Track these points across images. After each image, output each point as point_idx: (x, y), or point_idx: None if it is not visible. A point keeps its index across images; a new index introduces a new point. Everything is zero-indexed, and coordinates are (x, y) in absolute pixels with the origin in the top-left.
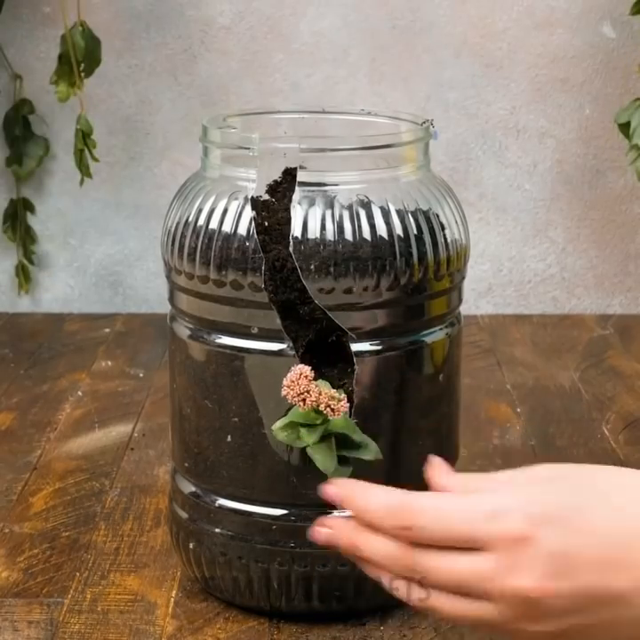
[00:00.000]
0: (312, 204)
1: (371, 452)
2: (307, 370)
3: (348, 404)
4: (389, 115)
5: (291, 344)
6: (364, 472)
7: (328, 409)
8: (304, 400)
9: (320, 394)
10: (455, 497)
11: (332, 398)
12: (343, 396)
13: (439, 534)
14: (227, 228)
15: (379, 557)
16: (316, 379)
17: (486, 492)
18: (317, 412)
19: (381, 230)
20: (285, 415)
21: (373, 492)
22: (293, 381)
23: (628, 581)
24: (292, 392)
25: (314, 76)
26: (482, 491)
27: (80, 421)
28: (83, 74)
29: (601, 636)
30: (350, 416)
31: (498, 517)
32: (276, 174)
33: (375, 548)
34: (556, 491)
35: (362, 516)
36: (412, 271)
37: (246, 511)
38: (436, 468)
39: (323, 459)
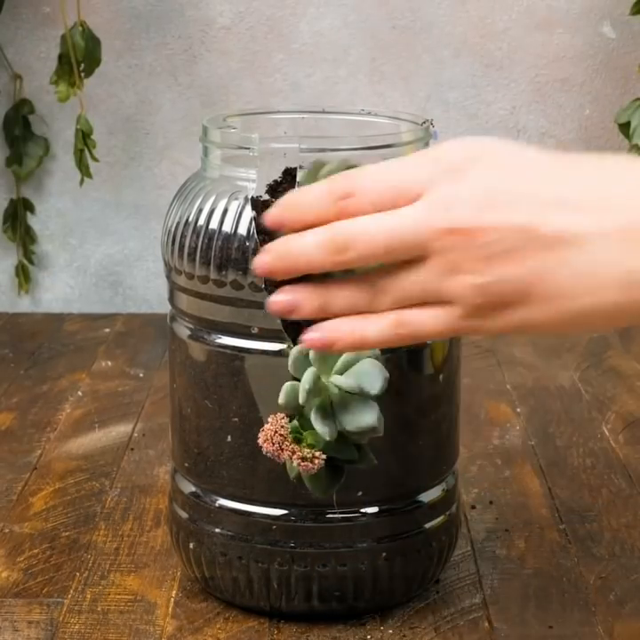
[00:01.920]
0: None
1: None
2: (281, 424)
3: (323, 461)
4: (389, 115)
5: (291, 344)
6: (364, 472)
7: (300, 467)
8: (279, 456)
9: (293, 453)
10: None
11: (304, 459)
12: (318, 452)
13: (382, 186)
14: (227, 228)
15: (310, 247)
16: (302, 426)
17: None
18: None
19: None
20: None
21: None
22: (267, 439)
23: (582, 223)
24: (268, 447)
25: (314, 76)
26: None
27: (80, 421)
28: (83, 74)
29: (543, 284)
30: None
31: (438, 157)
32: (276, 174)
33: (305, 238)
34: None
35: (301, 208)
36: None
37: (246, 511)
38: None
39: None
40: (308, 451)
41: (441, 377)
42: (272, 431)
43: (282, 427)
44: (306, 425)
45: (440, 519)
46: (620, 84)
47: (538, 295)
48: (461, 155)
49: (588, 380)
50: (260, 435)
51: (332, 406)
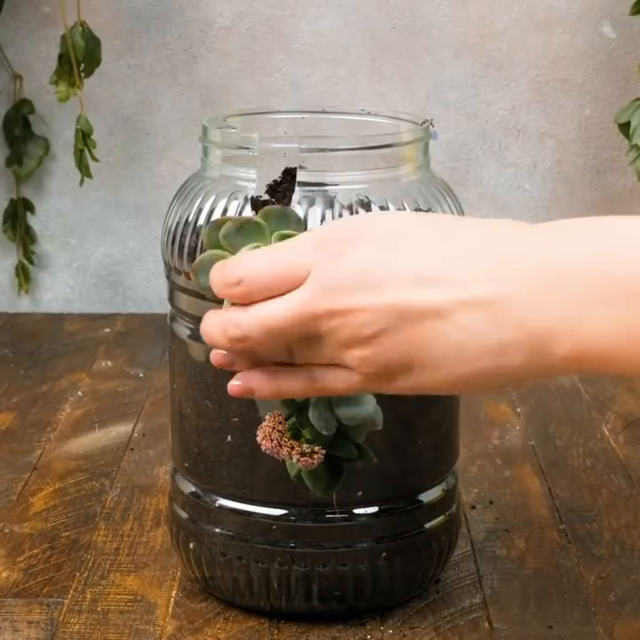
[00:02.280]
0: (312, 203)
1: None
2: (279, 420)
3: (322, 455)
4: (389, 115)
5: None
6: (364, 472)
7: (300, 462)
8: (277, 453)
9: (292, 448)
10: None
11: (303, 454)
12: (317, 447)
13: (269, 274)
14: None
15: (216, 337)
16: (301, 422)
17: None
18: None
19: None
20: None
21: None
22: (266, 435)
23: (444, 298)
24: (267, 444)
25: (314, 76)
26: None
27: (80, 421)
28: (83, 74)
29: (422, 355)
30: None
31: (321, 240)
32: (276, 174)
33: (208, 316)
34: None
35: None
36: None
37: (246, 511)
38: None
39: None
40: (307, 446)
41: None
42: (270, 428)
43: (279, 423)
44: (304, 422)
45: (440, 519)
46: (620, 84)
47: (421, 364)
48: (341, 237)
49: (588, 380)
50: (258, 432)
51: (330, 402)
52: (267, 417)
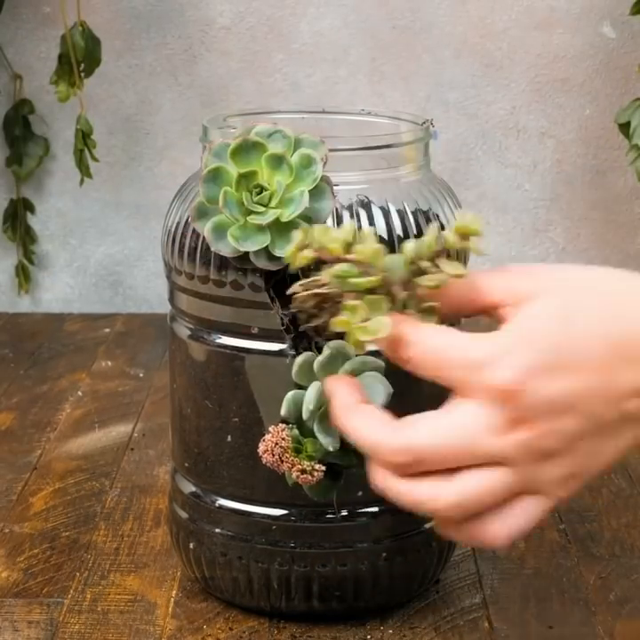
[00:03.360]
0: None
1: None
2: (282, 436)
3: (322, 473)
4: (389, 115)
5: (291, 344)
6: (364, 472)
7: (299, 479)
8: (278, 467)
9: (293, 465)
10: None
11: (303, 472)
12: (317, 465)
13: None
14: None
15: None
16: (302, 434)
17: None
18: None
19: (381, 230)
20: None
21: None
22: (268, 450)
23: (636, 377)
24: (268, 458)
25: (314, 76)
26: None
27: (80, 421)
28: (83, 74)
29: (609, 453)
30: None
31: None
32: None
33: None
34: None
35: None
36: None
37: (246, 511)
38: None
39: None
40: (308, 463)
41: None
42: (273, 443)
43: (283, 439)
44: (306, 433)
45: None
46: (620, 84)
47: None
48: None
49: None
50: (260, 444)
51: None
52: (270, 429)
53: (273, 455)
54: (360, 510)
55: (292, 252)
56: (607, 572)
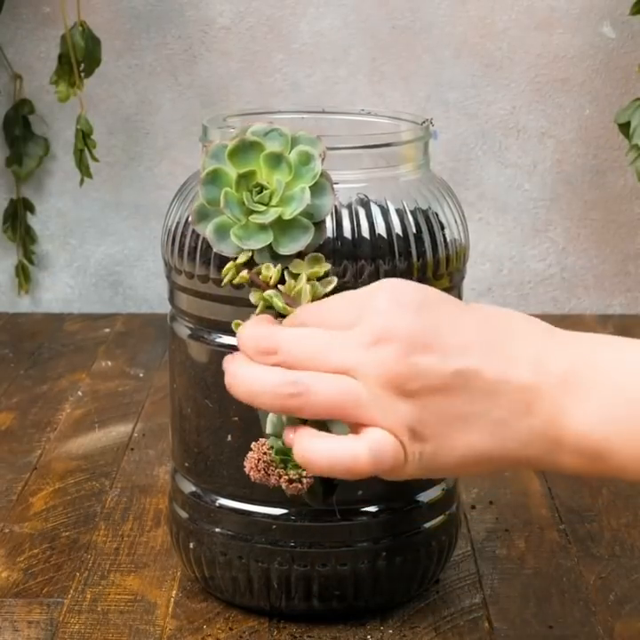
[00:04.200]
0: None
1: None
2: (264, 450)
3: (311, 478)
4: (389, 114)
5: None
6: None
7: (289, 489)
8: (267, 482)
9: (280, 477)
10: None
11: (292, 481)
12: (305, 472)
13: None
14: None
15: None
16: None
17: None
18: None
19: (380, 229)
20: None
21: (246, 324)
22: (252, 466)
23: (499, 371)
24: (255, 474)
25: (314, 76)
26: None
27: (80, 421)
28: (83, 74)
29: (458, 425)
30: None
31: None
32: None
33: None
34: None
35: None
36: (411, 270)
37: (246, 511)
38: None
39: None
40: (294, 472)
41: None
42: (256, 459)
43: (264, 453)
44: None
45: (440, 519)
46: (620, 84)
47: (451, 434)
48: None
49: None
50: (245, 463)
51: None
52: (252, 446)
53: (258, 471)
54: (360, 510)
55: (230, 268)
56: (607, 571)
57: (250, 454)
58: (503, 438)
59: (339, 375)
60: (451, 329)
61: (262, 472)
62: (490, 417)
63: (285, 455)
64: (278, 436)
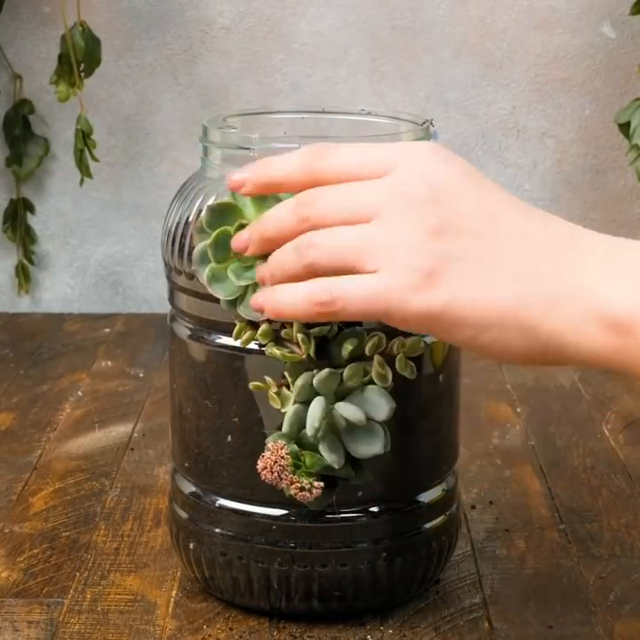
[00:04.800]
0: None
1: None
2: (282, 454)
3: (320, 490)
4: (389, 115)
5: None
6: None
7: (298, 496)
8: (277, 484)
9: (292, 483)
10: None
11: (302, 489)
12: (316, 483)
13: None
14: None
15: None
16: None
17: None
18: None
19: None
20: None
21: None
22: (267, 467)
23: (535, 225)
24: (267, 475)
25: (314, 76)
26: None
27: (80, 421)
28: (83, 74)
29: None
30: None
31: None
32: None
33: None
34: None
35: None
36: None
37: (246, 511)
38: None
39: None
40: (307, 481)
41: (441, 377)
42: (272, 461)
43: (282, 457)
44: (305, 446)
45: (440, 519)
46: (620, 84)
47: (474, 283)
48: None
49: (588, 380)
50: (259, 461)
51: (340, 437)
52: (269, 446)
53: (272, 473)
54: (360, 510)
55: (240, 329)
56: (607, 571)
57: (266, 454)
58: (528, 295)
59: (362, 225)
60: (493, 186)
61: (275, 475)
62: (515, 269)
63: (298, 459)
64: (293, 436)
